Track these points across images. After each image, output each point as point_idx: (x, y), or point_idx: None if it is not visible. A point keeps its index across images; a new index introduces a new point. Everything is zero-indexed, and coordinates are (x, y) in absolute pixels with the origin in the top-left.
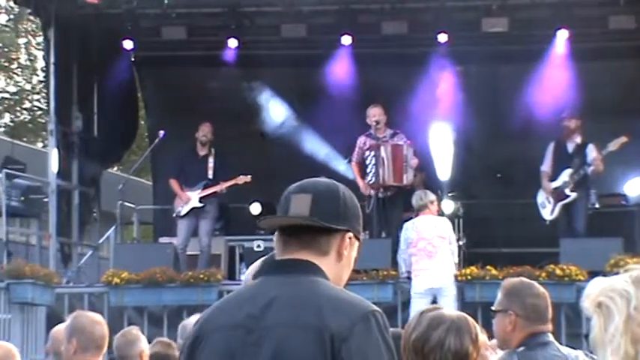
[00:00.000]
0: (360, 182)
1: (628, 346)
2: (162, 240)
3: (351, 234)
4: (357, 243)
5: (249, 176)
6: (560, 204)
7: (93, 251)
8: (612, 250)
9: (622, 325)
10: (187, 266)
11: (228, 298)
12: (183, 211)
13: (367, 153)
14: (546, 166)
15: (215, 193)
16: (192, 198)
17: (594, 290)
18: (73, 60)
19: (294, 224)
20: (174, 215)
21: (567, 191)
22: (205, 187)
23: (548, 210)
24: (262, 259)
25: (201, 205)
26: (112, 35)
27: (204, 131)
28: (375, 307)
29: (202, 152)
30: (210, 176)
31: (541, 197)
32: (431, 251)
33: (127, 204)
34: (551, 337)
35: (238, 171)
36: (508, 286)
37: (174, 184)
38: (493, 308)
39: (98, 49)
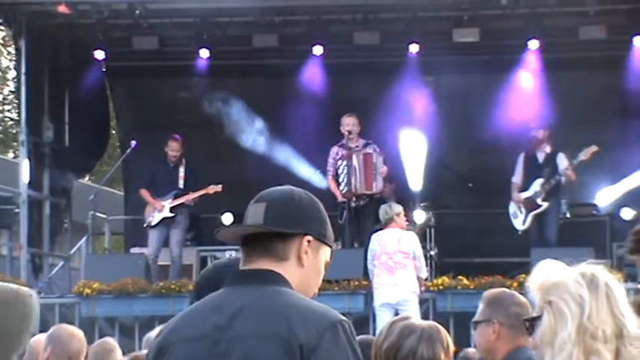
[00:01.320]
0: (337, 194)
1: (580, 359)
2: (134, 250)
3: (309, 237)
4: (323, 247)
5: (220, 185)
6: (532, 214)
7: (64, 262)
8: (583, 260)
9: (574, 334)
10: (158, 276)
11: (193, 308)
12: (154, 221)
13: (340, 162)
14: (517, 177)
15: (185, 202)
16: (164, 207)
17: (544, 280)
18: (45, 70)
19: (252, 233)
20: (144, 225)
21: (539, 201)
22: (176, 197)
23: (520, 220)
24: (215, 264)
25: (172, 214)
26: (84, 45)
27: (173, 147)
28: (342, 317)
29: (173, 162)
30: (181, 186)
31: (513, 207)
32: (391, 266)
33: (98, 214)
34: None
35: (210, 181)
36: (490, 296)
37: (145, 193)
38: (475, 319)
39: (69, 60)
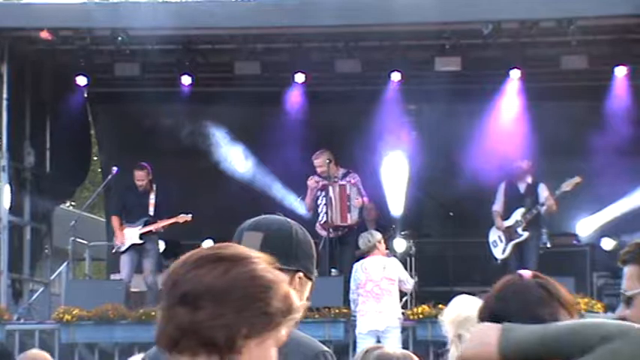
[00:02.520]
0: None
1: None
2: (114, 277)
3: (301, 274)
4: (308, 282)
5: (190, 215)
6: (511, 243)
7: (44, 287)
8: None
9: None
10: (134, 303)
11: None
12: (123, 247)
13: (319, 193)
14: (498, 206)
15: (154, 230)
16: (129, 237)
17: (457, 314)
18: (26, 95)
19: None
20: (112, 252)
21: (519, 230)
22: (146, 224)
23: (500, 249)
24: None
25: (142, 242)
26: (66, 71)
27: (138, 176)
28: (326, 348)
29: (141, 190)
30: (152, 212)
31: (493, 236)
32: (378, 293)
33: (79, 240)
34: None
35: (190, 206)
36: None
37: (114, 220)
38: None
39: (51, 85)
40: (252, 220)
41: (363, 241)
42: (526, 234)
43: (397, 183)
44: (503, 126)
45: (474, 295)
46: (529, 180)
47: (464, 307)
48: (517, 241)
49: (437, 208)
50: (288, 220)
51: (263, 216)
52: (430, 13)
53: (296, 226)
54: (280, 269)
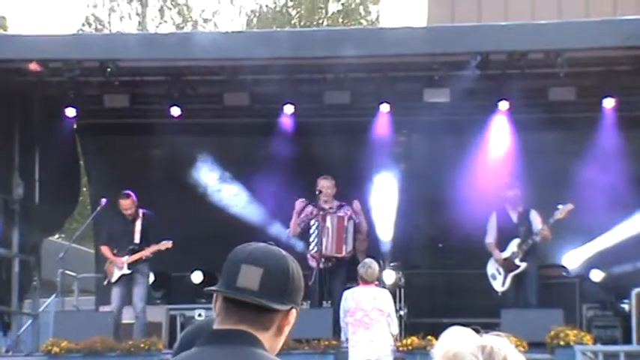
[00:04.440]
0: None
1: None
2: (103, 308)
3: (294, 310)
4: (295, 313)
5: (170, 242)
6: (510, 275)
7: (33, 320)
8: (553, 322)
9: None
10: (124, 334)
11: None
12: (113, 278)
13: (313, 222)
14: (491, 237)
15: (141, 258)
16: (118, 268)
17: (447, 349)
18: (15, 126)
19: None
20: (104, 283)
21: (517, 261)
22: (133, 252)
23: (500, 281)
24: (197, 324)
25: (130, 271)
26: (55, 102)
27: (123, 205)
28: None
29: (128, 218)
30: (137, 240)
31: (491, 269)
32: (368, 323)
33: (67, 272)
34: None
35: (181, 239)
36: None
37: (105, 250)
38: None
39: (40, 116)
40: (247, 250)
41: (364, 269)
42: (524, 265)
43: (386, 214)
44: (491, 157)
45: (467, 326)
46: (520, 209)
47: (454, 342)
48: (516, 272)
49: (426, 240)
50: (283, 253)
51: (255, 245)
52: (419, 45)
53: (291, 261)
54: (276, 309)
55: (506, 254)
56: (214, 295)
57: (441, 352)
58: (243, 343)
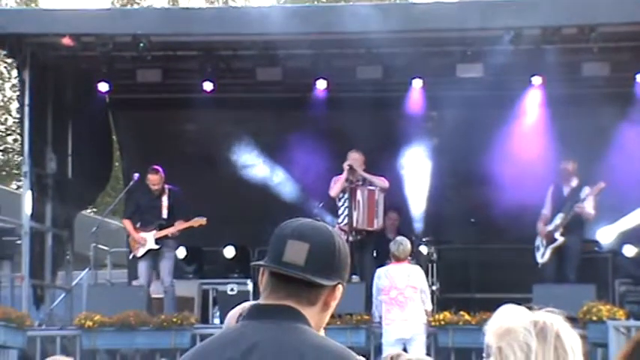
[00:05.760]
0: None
1: None
2: (136, 283)
3: (340, 286)
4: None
5: (205, 219)
6: (550, 247)
7: (66, 294)
8: (585, 297)
9: None
10: (155, 309)
11: (211, 341)
12: (139, 253)
13: (341, 194)
14: (546, 209)
15: (171, 235)
16: (147, 239)
17: (499, 325)
18: (48, 101)
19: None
20: (129, 257)
21: (557, 235)
22: (161, 228)
23: (541, 253)
24: (251, 303)
25: (158, 246)
26: (87, 77)
27: (152, 180)
28: (358, 357)
29: (155, 193)
30: (165, 215)
31: (538, 240)
32: (402, 301)
33: (100, 246)
34: None
35: (212, 214)
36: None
37: (127, 223)
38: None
39: (73, 91)
40: (293, 225)
41: (396, 246)
42: (562, 239)
43: (418, 190)
44: (524, 132)
45: (519, 304)
46: (574, 183)
47: (507, 318)
48: (554, 245)
49: (458, 215)
50: (329, 228)
51: (302, 221)
52: (451, 20)
53: (337, 236)
54: (322, 285)
55: (551, 227)
56: (261, 269)
57: (494, 328)
58: (284, 318)
